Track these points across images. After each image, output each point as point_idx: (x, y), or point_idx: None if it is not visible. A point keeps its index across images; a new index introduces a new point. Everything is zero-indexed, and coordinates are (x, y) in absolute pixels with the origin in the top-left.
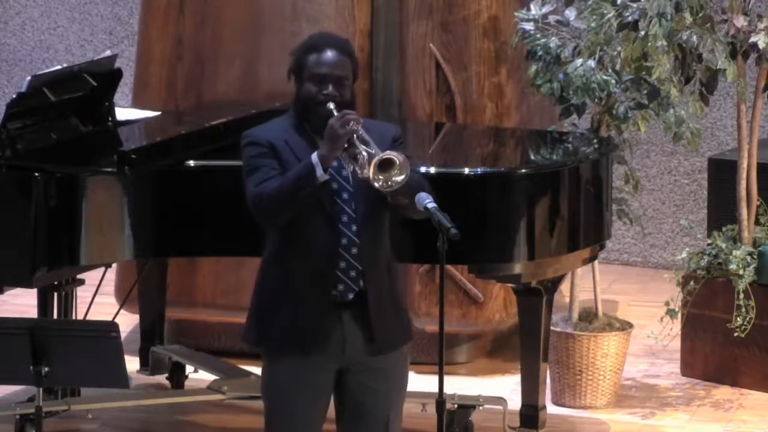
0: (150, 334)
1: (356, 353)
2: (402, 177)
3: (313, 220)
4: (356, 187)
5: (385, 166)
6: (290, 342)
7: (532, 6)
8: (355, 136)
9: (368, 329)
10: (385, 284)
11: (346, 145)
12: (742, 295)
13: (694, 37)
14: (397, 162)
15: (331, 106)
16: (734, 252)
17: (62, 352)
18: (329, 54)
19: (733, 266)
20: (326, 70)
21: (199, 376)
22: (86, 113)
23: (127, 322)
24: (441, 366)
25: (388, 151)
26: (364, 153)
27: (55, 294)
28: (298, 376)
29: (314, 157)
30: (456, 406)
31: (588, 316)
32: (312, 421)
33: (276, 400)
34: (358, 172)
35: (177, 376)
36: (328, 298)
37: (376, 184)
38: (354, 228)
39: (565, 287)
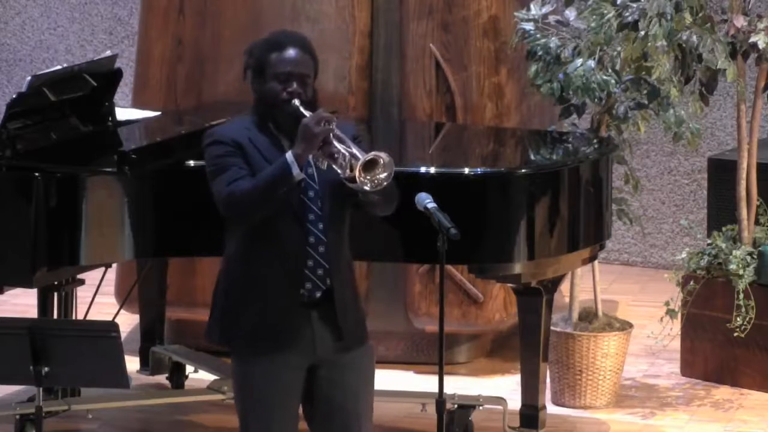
0: (150, 334)
1: (326, 351)
2: (386, 174)
3: (280, 219)
4: (321, 185)
5: (369, 166)
6: (261, 341)
7: (532, 6)
8: (331, 135)
9: (336, 327)
10: (347, 282)
11: (321, 144)
12: (741, 295)
13: (694, 37)
14: (382, 161)
15: (297, 103)
16: (734, 252)
17: (62, 352)
18: (291, 52)
19: (733, 266)
20: (290, 68)
21: (199, 376)
22: (86, 113)
23: (127, 322)
24: (441, 366)
25: (373, 152)
26: (345, 153)
27: (55, 294)
28: (271, 375)
29: (289, 156)
30: (456, 406)
31: (588, 316)
32: (287, 419)
33: (251, 401)
34: (340, 172)
35: (177, 376)
36: (297, 296)
37: (366, 187)
38: (321, 226)
39: (565, 287)
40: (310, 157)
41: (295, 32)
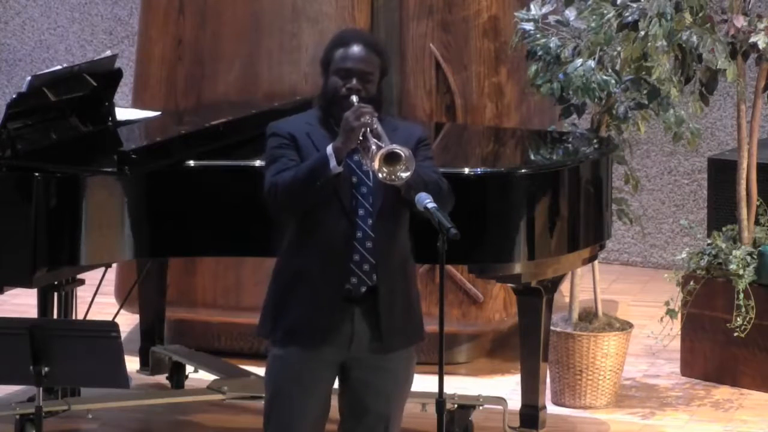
0: (150, 334)
1: (361, 350)
2: (407, 173)
3: (330, 212)
4: (376, 182)
5: (390, 159)
6: (299, 331)
7: (532, 6)
8: (368, 129)
9: (377, 327)
10: (398, 282)
11: (361, 138)
12: (742, 295)
13: (694, 37)
14: (403, 156)
15: (355, 99)
16: (734, 252)
17: (62, 352)
18: (355, 49)
19: (733, 266)
20: (351, 64)
21: (199, 376)
22: (86, 113)
23: (127, 322)
24: (441, 366)
25: (394, 145)
26: (373, 147)
27: (55, 294)
28: (301, 366)
29: (329, 148)
30: (456, 406)
31: (588, 316)
32: (310, 411)
33: (276, 388)
34: (367, 163)
35: (177, 376)
36: (341, 291)
37: (380, 176)
38: (370, 222)
39: (565, 287)
40: (359, 154)
41: (364, 31)
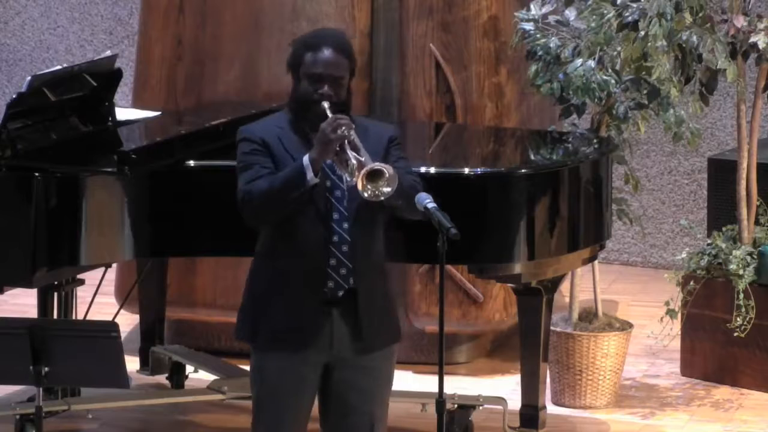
0: (150, 334)
1: (343, 350)
2: (389, 189)
3: (305, 217)
4: (349, 186)
5: (373, 176)
6: (280, 336)
7: (532, 6)
8: (346, 141)
9: (357, 327)
10: (377, 284)
11: (337, 149)
12: (741, 295)
13: (694, 37)
14: (386, 174)
15: (326, 105)
16: (734, 252)
17: (62, 352)
18: (326, 53)
19: (733, 266)
20: (321, 69)
21: (199, 376)
22: (86, 113)
23: (127, 322)
24: (441, 366)
25: (377, 163)
26: (353, 161)
27: (55, 294)
28: (287, 370)
29: (305, 159)
30: (456, 406)
31: (588, 316)
32: (298, 414)
33: (264, 394)
34: (348, 178)
35: (177, 376)
36: (318, 294)
37: (365, 194)
38: (345, 225)
39: (565, 287)
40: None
41: (335, 31)
